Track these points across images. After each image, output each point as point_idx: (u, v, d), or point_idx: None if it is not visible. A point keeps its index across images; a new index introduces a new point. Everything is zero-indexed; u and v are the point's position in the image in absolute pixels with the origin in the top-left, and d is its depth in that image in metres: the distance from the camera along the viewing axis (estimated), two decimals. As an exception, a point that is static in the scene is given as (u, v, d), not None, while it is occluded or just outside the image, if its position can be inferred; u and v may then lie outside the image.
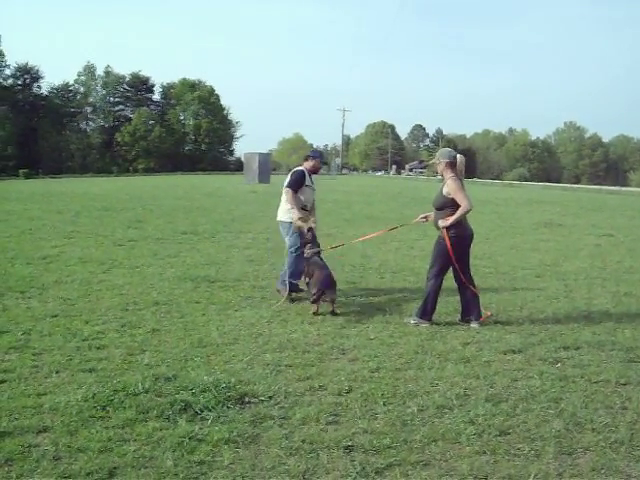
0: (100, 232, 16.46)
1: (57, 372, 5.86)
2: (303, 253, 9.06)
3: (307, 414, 4.99)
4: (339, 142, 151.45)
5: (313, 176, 9.66)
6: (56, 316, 7.84)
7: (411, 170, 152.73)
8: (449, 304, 8.84)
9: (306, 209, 9.39)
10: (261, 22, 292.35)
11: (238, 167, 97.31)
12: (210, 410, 5.00)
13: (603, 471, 4.37)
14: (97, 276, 10.49)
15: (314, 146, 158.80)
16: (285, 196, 9.35)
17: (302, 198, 9.35)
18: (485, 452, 4.54)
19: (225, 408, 5.07)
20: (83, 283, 9.85)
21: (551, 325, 8.16)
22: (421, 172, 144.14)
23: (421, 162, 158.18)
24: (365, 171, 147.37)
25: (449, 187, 7.92)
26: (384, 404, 5.32)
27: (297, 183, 9.32)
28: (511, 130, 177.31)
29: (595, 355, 6.95)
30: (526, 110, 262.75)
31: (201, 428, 4.69)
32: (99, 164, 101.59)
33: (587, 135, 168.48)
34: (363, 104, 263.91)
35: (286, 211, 9.33)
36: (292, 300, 9.02)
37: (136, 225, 18.44)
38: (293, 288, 9.21)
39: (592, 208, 33.31)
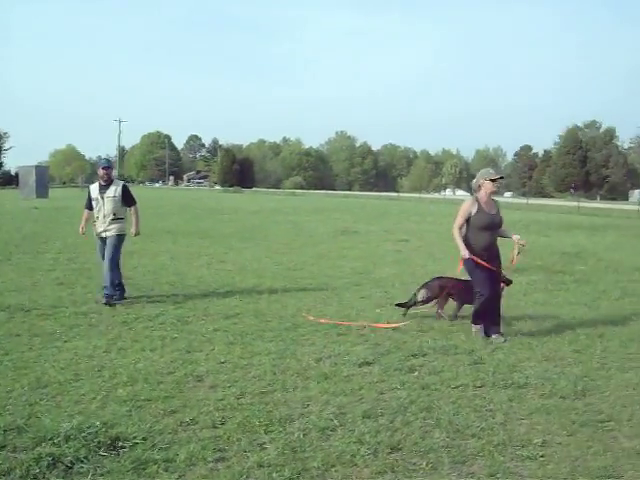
0: None
1: None
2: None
3: (191, 453, 4.62)
4: (114, 153, 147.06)
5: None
6: None
7: (189, 181, 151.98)
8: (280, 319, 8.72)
9: (110, 219, 10.00)
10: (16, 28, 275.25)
11: (7, 181, 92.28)
12: (83, 462, 4.46)
13: (499, 475, 4.48)
14: None
15: (87, 157, 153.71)
16: None
17: (95, 211, 10.12)
18: (385, 471, 4.47)
19: (99, 457, 4.55)
20: None
21: (390, 333, 8.29)
22: (199, 183, 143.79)
23: (198, 172, 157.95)
24: (142, 182, 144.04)
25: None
26: (265, 432, 5.07)
27: (87, 202, 10.34)
28: (285, 139, 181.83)
29: (443, 360, 7.16)
30: (299, 120, 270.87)
31: (79, 484, 4.18)
32: None
33: (357, 144, 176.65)
34: (139, 114, 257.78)
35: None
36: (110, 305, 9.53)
37: None
38: (109, 299, 9.70)
39: (378, 214, 34.86)
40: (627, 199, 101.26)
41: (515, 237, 8.41)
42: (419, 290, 9.26)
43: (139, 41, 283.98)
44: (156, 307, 9.53)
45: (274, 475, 4.34)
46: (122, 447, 4.71)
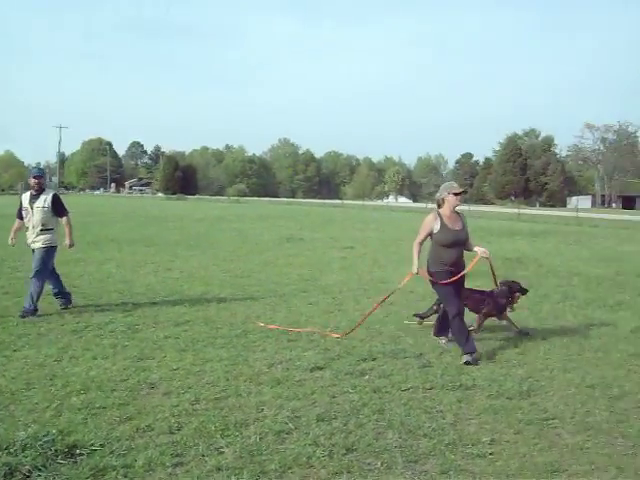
0: None
1: None
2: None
3: (149, 459, 4.67)
4: (54, 159, 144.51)
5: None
6: None
7: (131, 188, 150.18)
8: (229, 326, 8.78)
9: (38, 229, 9.70)
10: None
11: None
12: (41, 470, 4.47)
13: (451, 472, 4.65)
14: None
15: (26, 164, 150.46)
16: None
17: (25, 221, 9.83)
18: (342, 472, 4.59)
19: (57, 465, 4.57)
20: None
21: (340, 339, 8.42)
22: (141, 190, 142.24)
23: (141, 179, 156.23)
24: (82, 190, 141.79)
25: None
26: (222, 437, 5.15)
27: (17, 211, 10.03)
28: (228, 146, 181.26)
29: (392, 364, 7.32)
30: (242, 127, 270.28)
31: (39, 493, 4.20)
32: None
33: (300, 151, 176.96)
34: (79, 120, 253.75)
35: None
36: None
37: None
38: (28, 310, 9.43)
39: (323, 221, 35.06)
40: (565, 206, 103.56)
41: (479, 250, 8.01)
42: (436, 301, 8.98)
43: (79, 45, 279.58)
44: (105, 315, 9.48)
45: (233, 478, 4.42)
46: (80, 454, 4.74)
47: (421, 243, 7.96)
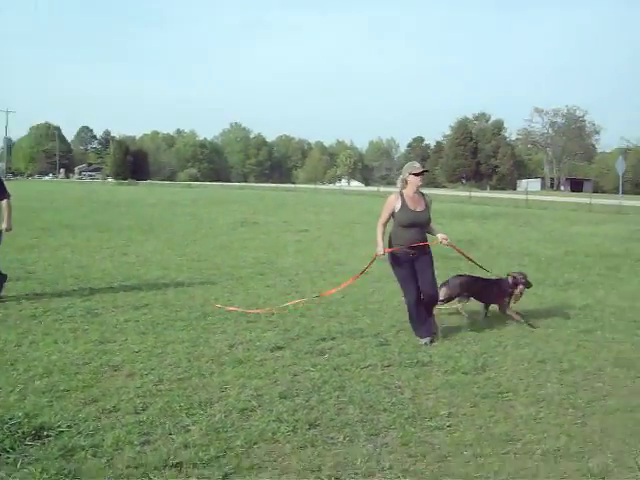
0: None
1: None
2: None
3: (117, 438, 4.74)
4: (1, 145, 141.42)
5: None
6: None
7: (81, 173, 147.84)
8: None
9: None
10: None
11: None
12: (9, 452, 4.50)
13: (411, 444, 4.84)
14: None
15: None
16: None
17: None
18: (306, 446, 4.73)
19: (25, 446, 4.60)
20: None
21: (299, 319, 8.57)
22: (91, 175, 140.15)
23: (90, 165, 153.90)
24: (31, 176, 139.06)
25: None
26: (187, 416, 5.25)
27: None
28: (179, 131, 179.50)
29: (351, 343, 7.49)
30: (193, 111, 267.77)
31: (9, 474, 4.22)
32: None
33: (252, 135, 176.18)
34: (26, 105, 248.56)
35: None
36: None
37: None
38: None
39: (276, 205, 35.12)
40: (515, 189, 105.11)
41: (440, 236, 7.82)
42: (440, 288, 8.50)
43: (24, 28, 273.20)
44: (63, 300, 9.45)
45: (200, 454, 4.52)
46: (47, 436, 4.78)
47: (384, 224, 7.78)
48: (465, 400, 5.77)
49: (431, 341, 7.62)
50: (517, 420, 5.36)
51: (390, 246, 7.80)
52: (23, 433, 4.76)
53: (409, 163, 8.09)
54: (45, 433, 4.82)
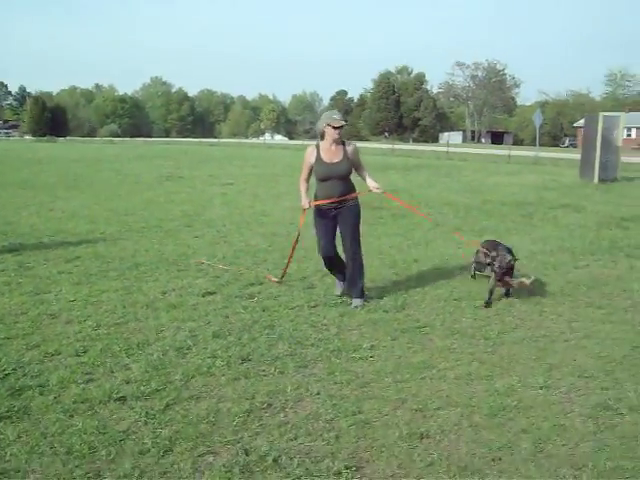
0: None
1: None
2: None
3: (61, 378, 5.02)
4: None
5: None
6: None
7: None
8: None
9: None
10: None
11: None
12: (-43, 394, 4.77)
13: (337, 373, 5.30)
14: None
15: None
16: None
17: None
18: (240, 378, 5.13)
19: (-27, 388, 4.87)
20: None
21: (228, 267, 8.90)
22: (7, 133, 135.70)
23: (6, 122, 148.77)
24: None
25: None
26: (127, 356, 5.56)
27: None
28: (98, 86, 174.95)
29: (279, 287, 7.92)
30: (112, 65, 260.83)
31: (-41, 412, 4.49)
32: None
33: (173, 90, 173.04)
34: None
35: None
36: None
37: None
38: None
39: (201, 160, 35.05)
40: (437, 141, 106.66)
41: (371, 185, 7.39)
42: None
43: None
44: (-7, 255, 9.53)
45: (142, 388, 4.87)
46: (-7, 377, 5.04)
47: (306, 179, 7.49)
48: (386, 334, 6.25)
49: (361, 305, 7.27)
50: (433, 350, 5.87)
51: (316, 199, 7.43)
52: (-30, 377, 5.00)
53: (328, 112, 7.51)
54: (-9, 375, 5.07)
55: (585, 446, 4.16)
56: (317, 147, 7.35)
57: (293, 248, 8.08)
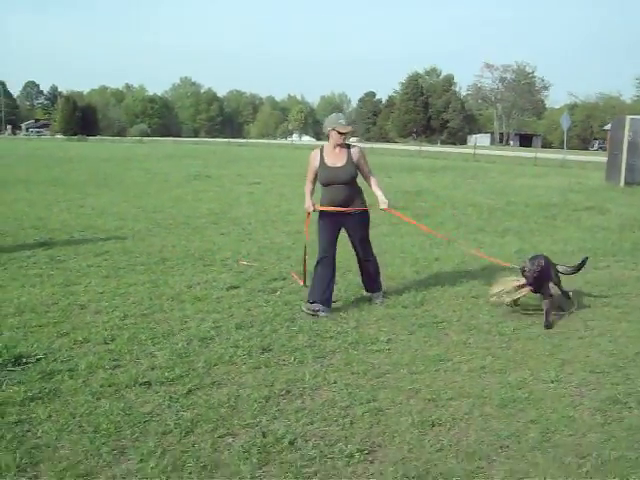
0: None
1: None
2: None
3: (90, 363, 5.26)
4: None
5: None
6: None
7: (28, 130, 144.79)
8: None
9: None
10: None
11: None
12: (-8, 376, 5.02)
13: (354, 364, 5.47)
14: None
15: None
16: None
17: None
18: (260, 367, 5.34)
19: (7, 372, 5.08)
20: None
21: (252, 263, 9.12)
22: (39, 132, 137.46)
23: (38, 121, 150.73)
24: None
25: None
26: (153, 344, 5.79)
27: None
28: (128, 86, 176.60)
29: (299, 284, 8.05)
30: (142, 66, 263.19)
31: (-4, 393, 4.73)
32: None
33: (202, 90, 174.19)
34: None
35: None
36: None
37: None
38: None
39: (229, 159, 35.40)
40: (465, 143, 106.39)
41: (381, 201, 7.24)
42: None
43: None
44: (26, 249, 9.83)
45: (166, 374, 5.09)
46: (26, 363, 5.27)
47: (312, 182, 7.24)
48: (403, 329, 6.42)
49: (383, 301, 7.36)
50: (449, 344, 6.03)
51: (322, 204, 7.16)
52: (3, 361, 5.24)
53: (334, 115, 7.39)
54: (24, 360, 5.30)
55: (591, 437, 4.29)
56: (321, 150, 7.17)
57: (304, 261, 7.80)
